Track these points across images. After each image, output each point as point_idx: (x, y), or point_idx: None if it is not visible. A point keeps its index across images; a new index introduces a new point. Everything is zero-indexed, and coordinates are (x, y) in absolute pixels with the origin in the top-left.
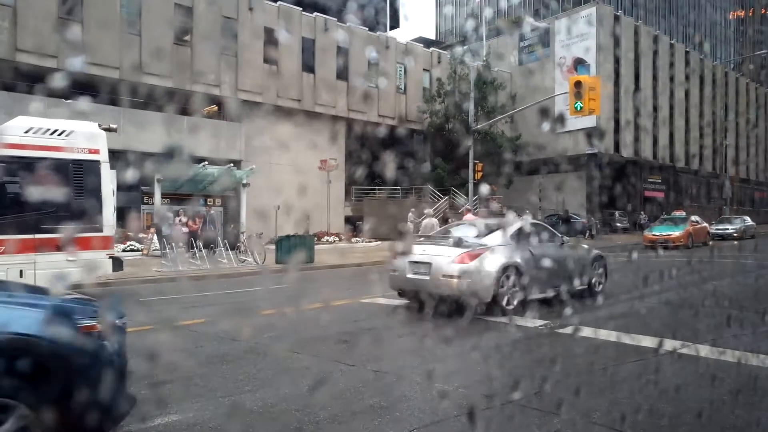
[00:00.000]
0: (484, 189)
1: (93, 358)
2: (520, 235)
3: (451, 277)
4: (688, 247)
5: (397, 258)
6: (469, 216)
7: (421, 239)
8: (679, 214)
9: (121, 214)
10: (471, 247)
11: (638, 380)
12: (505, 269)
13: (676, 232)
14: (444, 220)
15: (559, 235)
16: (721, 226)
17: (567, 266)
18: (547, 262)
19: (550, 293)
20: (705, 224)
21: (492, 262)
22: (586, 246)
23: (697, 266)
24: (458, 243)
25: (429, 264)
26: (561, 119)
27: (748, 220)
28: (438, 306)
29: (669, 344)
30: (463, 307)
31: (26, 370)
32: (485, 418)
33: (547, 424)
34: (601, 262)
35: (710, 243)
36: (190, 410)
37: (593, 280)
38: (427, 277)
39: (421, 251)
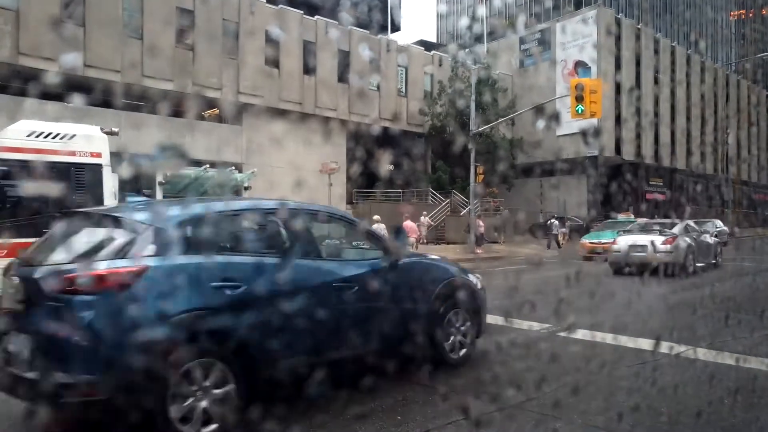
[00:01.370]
0: (479, 189)
1: (480, 294)
2: (686, 229)
3: (661, 252)
4: None
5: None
6: (407, 223)
7: (633, 230)
8: (626, 216)
9: None
10: (669, 235)
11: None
12: (689, 248)
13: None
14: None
15: (699, 230)
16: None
17: (706, 247)
18: (701, 245)
19: (702, 263)
20: None
21: (682, 243)
22: (715, 238)
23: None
24: (661, 232)
25: (646, 246)
26: (561, 121)
27: (719, 225)
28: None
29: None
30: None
31: (461, 297)
32: None
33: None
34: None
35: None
36: None
37: (717, 259)
38: (644, 254)
39: (637, 239)
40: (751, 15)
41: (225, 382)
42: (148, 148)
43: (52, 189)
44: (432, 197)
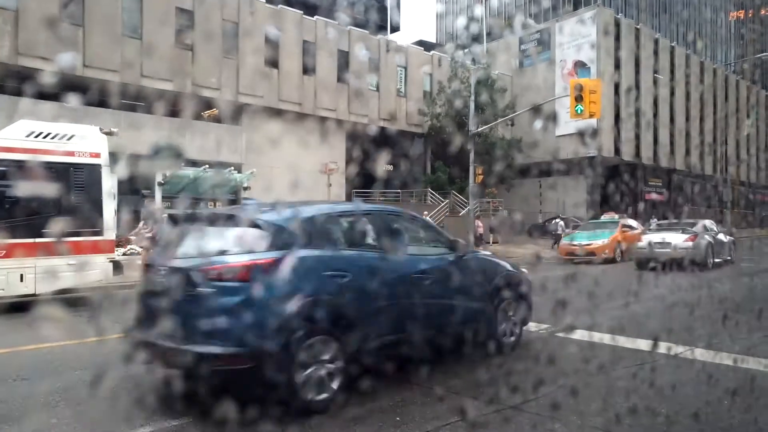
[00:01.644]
0: (477, 190)
1: (528, 287)
2: (705, 228)
3: (684, 248)
4: (615, 261)
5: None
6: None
7: (660, 228)
8: (609, 217)
9: (122, 217)
10: (691, 234)
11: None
12: (709, 245)
13: (598, 242)
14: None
15: (716, 229)
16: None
17: (722, 245)
18: (718, 243)
19: (719, 259)
20: (641, 230)
21: (703, 242)
22: (729, 237)
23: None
24: (684, 231)
25: (670, 243)
26: (561, 122)
27: (710, 226)
28: (672, 264)
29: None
30: (684, 264)
31: (513, 289)
32: None
33: None
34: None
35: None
36: (187, 415)
37: (731, 256)
38: (669, 250)
39: (662, 236)
40: (750, 15)
41: (335, 357)
42: (147, 148)
43: (51, 189)
44: (431, 197)
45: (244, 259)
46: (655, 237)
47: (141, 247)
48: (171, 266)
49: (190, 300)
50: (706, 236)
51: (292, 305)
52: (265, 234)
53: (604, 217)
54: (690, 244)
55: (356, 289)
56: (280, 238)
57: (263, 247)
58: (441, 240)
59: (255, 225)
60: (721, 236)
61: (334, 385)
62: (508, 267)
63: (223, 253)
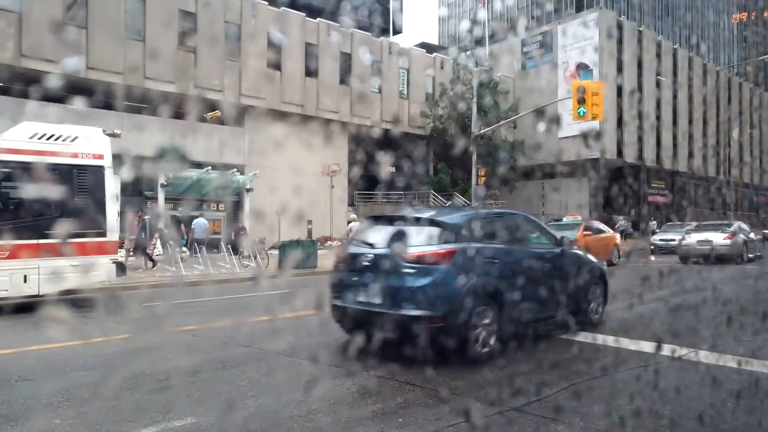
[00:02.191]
0: (481, 191)
1: (607, 276)
2: (740, 228)
3: (724, 245)
4: None
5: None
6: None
7: (701, 228)
8: (572, 218)
9: (125, 219)
10: (728, 232)
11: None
12: (745, 242)
13: None
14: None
15: (747, 229)
16: (666, 237)
17: (753, 243)
18: (752, 241)
19: (751, 255)
20: (611, 233)
21: (740, 239)
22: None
23: None
24: (722, 230)
25: (711, 241)
26: (564, 124)
27: (744, 226)
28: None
29: None
30: (724, 260)
31: (598, 277)
32: None
33: None
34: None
35: (618, 261)
36: (193, 415)
37: (761, 252)
38: (709, 247)
39: (704, 236)
40: (753, 17)
41: (492, 322)
42: (150, 150)
43: (55, 190)
44: (434, 199)
45: (436, 249)
46: (698, 236)
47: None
48: (377, 253)
49: (396, 278)
50: (741, 235)
51: (467, 282)
52: (447, 231)
53: (567, 219)
54: (729, 241)
55: (503, 272)
56: (457, 234)
57: (446, 240)
58: (549, 237)
59: (438, 225)
60: (752, 235)
61: (492, 342)
62: (594, 260)
63: (416, 244)
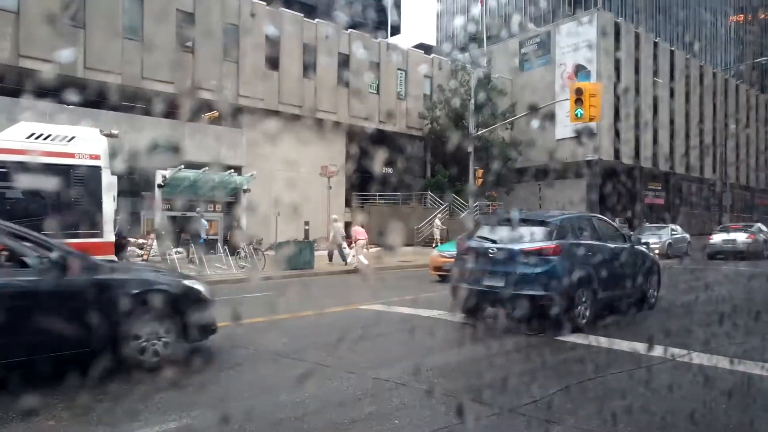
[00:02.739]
0: (474, 190)
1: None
2: (760, 230)
3: (746, 244)
4: None
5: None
6: (356, 228)
7: (725, 228)
8: None
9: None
10: (750, 232)
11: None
12: (765, 241)
13: None
14: None
15: (766, 229)
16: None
17: None
18: None
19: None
20: None
21: (760, 238)
22: None
23: None
24: (745, 230)
25: (735, 240)
26: (561, 125)
27: (679, 232)
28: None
29: None
30: (747, 257)
31: (655, 268)
32: None
33: None
34: None
35: None
36: (188, 417)
37: None
38: (731, 245)
39: (729, 236)
40: (749, 19)
41: (587, 300)
42: (148, 150)
43: (51, 191)
44: (431, 200)
45: (548, 244)
46: (724, 236)
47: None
48: (500, 248)
49: (517, 266)
50: (761, 235)
51: (571, 269)
52: (552, 230)
53: None
54: (750, 240)
55: (594, 262)
56: (561, 232)
57: (554, 237)
58: (621, 235)
59: (546, 224)
60: None
61: (587, 315)
62: (651, 254)
63: (531, 240)
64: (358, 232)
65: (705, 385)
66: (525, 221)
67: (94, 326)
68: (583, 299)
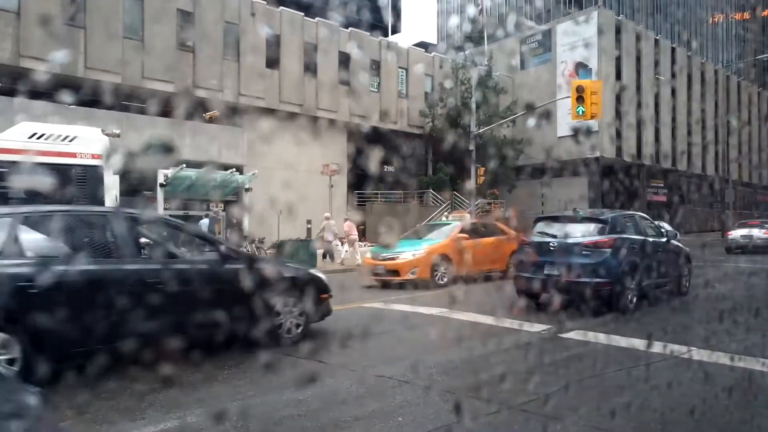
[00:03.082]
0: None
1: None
2: None
3: (763, 239)
4: (432, 285)
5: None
6: (347, 223)
7: (743, 225)
8: (457, 217)
9: None
10: (766, 228)
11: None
12: None
13: (408, 256)
14: None
15: None
16: None
17: None
18: None
19: None
20: (511, 235)
21: None
22: None
23: None
24: (762, 227)
25: (752, 235)
26: (562, 123)
27: (666, 226)
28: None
29: None
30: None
31: (688, 260)
32: None
33: None
34: None
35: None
36: (192, 415)
37: None
38: (749, 240)
39: (747, 231)
40: (747, 17)
41: (635, 287)
42: (148, 150)
43: (52, 191)
44: (433, 198)
45: (603, 238)
46: (742, 231)
47: None
48: (560, 241)
49: (576, 257)
50: None
51: (623, 260)
52: (606, 226)
53: (447, 219)
54: (767, 236)
55: (639, 254)
56: (613, 227)
57: (607, 232)
58: (659, 230)
59: (600, 222)
60: None
61: (634, 299)
62: (684, 247)
63: (588, 235)
64: (350, 227)
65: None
66: (585, 219)
67: (252, 307)
68: (632, 285)
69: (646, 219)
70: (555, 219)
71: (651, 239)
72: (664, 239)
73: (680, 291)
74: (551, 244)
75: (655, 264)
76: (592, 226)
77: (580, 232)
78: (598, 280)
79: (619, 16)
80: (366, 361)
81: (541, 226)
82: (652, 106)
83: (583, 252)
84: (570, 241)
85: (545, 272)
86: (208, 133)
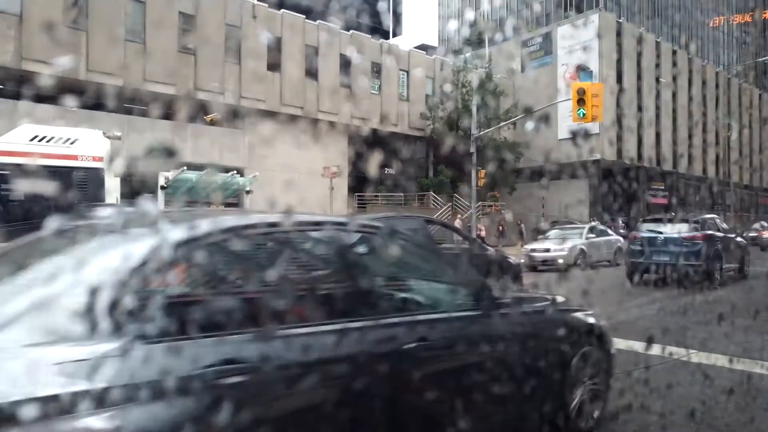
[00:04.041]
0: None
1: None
2: None
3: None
4: None
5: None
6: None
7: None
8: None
9: None
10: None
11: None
12: None
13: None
14: None
15: None
16: (539, 246)
17: None
18: None
19: None
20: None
21: None
22: None
23: None
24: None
25: (757, 236)
26: (563, 125)
27: (602, 233)
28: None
29: None
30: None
31: (746, 254)
32: None
33: None
34: None
35: None
36: None
37: None
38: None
39: (760, 226)
40: (748, 20)
41: (720, 269)
42: (150, 153)
43: (54, 193)
44: (434, 201)
45: (699, 233)
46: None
47: None
48: (665, 236)
49: (680, 247)
50: None
51: (712, 250)
52: (699, 224)
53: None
54: None
55: (720, 245)
56: (704, 226)
57: (700, 228)
58: (726, 228)
59: (695, 222)
60: None
61: (719, 278)
62: (744, 243)
63: (687, 231)
64: None
65: None
66: (684, 219)
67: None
68: (718, 268)
69: (719, 219)
70: (658, 220)
71: (725, 235)
72: (733, 234)
73: (742, 273)
74: (659, 237)
75: (729, 253)
76: (688, 225)
77: (680, 229)
78: (695, 263)
79: (619, 19)
80: None
81: (648, 226)
82: (652, 109)
83: (684, 243)
84: (674, 235)
85: (654, 259)
86: (209, 136)
